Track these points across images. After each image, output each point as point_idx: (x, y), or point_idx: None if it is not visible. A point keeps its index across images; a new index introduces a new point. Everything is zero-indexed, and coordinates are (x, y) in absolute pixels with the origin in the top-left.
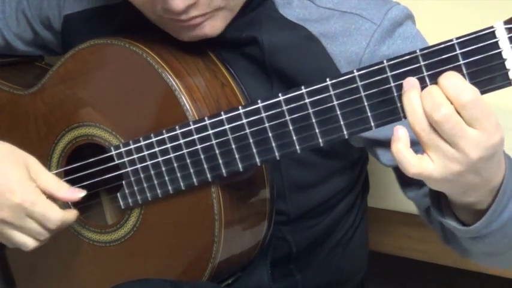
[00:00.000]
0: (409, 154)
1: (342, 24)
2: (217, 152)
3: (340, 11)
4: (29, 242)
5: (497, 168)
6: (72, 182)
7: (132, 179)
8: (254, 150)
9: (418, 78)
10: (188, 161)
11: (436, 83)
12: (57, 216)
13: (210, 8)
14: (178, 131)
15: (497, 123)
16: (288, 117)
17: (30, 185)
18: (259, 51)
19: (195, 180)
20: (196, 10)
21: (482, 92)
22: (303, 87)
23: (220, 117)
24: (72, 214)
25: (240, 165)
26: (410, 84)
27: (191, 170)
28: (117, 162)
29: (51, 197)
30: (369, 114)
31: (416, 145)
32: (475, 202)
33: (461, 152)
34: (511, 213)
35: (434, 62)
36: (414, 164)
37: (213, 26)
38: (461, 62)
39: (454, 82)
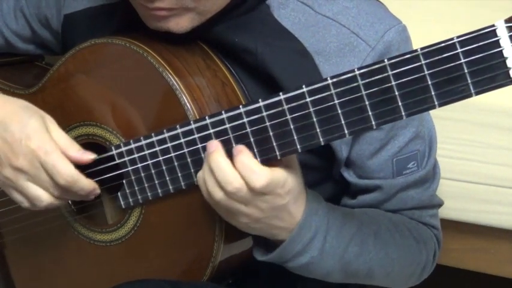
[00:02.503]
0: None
1: (338, 44)
2: None
3: (339, 23)
4: (44, 196)
5: (296, 209)
6: None
7: (133, 178)
8: (255, 149)
9: (418, 78)
10: (189, 160)
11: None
12: (68, 171)
13: (177, 5)
14: (179, 130)
15: (289, 187)
16: (288, 116)
17: (46, 135)
18: (253, 58)
19: (195, 179)
20: (163, 3)
21: (484, 91)
22: (303, 86)
23: (221, 116)
24: (86, 181)
25: None
26: (214, 146)
27: (192, 170)
28: (118, 161)
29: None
30: (370, 113)
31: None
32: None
33: (252, 206)
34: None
35: (435, 60)
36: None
37: (178, 24)
38: (462, 60)
39: (247, 167)
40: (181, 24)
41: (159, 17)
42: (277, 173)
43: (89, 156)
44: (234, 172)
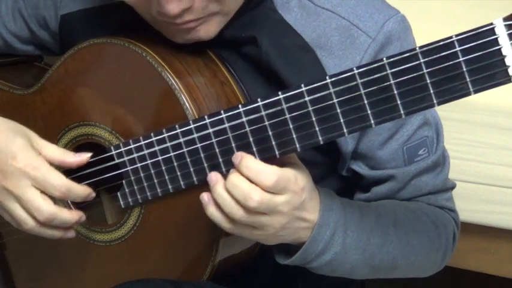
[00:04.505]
0: (219, 216)
1: (339, 38)
2: (217, 150)
3: (338, 15)
4: (27, 219)
5: (313, 206)
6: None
7: (132, 178)
8: (254, 149)
9: (416, 77)
10: (188, 159)
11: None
12: (61, 181)
13: (204, 13)
14: (178, 130)
15: (303, 183)
16: (287, 116)
17: (32, 151)
18: (257, 51)
19: (195, 179)
20: (191, 14)
21: (482, 89)
22: (302, 85)
23: (220, 116)
24: (81, 188)
25: None
26: (214, 180)
27: (191, 169)
28: (117, 161)
29: (60, 167)
30: (369, 111)
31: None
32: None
33: (274, 214)
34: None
35: (434, 59)
36: (227, 224)
37: (208, 30)
38: (461, 59)
39: (252, 170)
40: (211, 30)
41: (188, 29)
42: (286, 171)
43: (85, 155)
44: (251, 185)
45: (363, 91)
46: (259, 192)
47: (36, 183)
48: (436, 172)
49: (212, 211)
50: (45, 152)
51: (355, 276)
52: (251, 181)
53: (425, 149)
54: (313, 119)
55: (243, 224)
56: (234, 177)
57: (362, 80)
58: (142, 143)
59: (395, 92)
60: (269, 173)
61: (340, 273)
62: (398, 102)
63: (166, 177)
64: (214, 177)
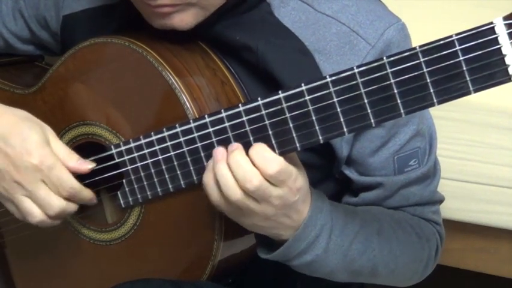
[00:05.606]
0: (214, 190)
1: (338, 43)
2: None
3: (339, 22)
4: (36, 213)
5: (303, 208)
6: None
7: (133, 177)
8: None
9: (417, 76)
10: (188, 159)
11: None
12: (71, 184)
13: (180, 1)
14: (178, 129)
15: (300, 184)
16: (288, 115)
17: (47, 149)
18: (253, 56)
19: (195, 178)
20: None
21: (482, 88)
22: (303, 85)
23: (221, 115)
24: (87, 192)
25: None
26: (219, 155)
27: (191, 168)
28: (117, 160)
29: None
30: (369, 110)
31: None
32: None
33: (265, 203)
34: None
35: (434, 58)
36: (217, 199)
37: (182, 20)
38: (461, 58)
39: (260, 155)
40: (186, 20)
41: (163, 14)
42: (288, 166)
43: (87, 165)
44: (253, 169)
45: (363, 90)
46: (260, 177)
47: (48, 182)
48: (425, 184)
49: (207, 181)
50: (52, 148)
51: (334, 279)
52: (254, 165)
53: (416, 160)
54: (313, 118)
55: (233, 206)
56: (238, 154)
57: (362, 79)
58: (143, 142)
59: (396, 91)
60: (274, 161)
61: (319, 275)
62: (399, 101)
63: (167, 176)
64: (220, 152)
